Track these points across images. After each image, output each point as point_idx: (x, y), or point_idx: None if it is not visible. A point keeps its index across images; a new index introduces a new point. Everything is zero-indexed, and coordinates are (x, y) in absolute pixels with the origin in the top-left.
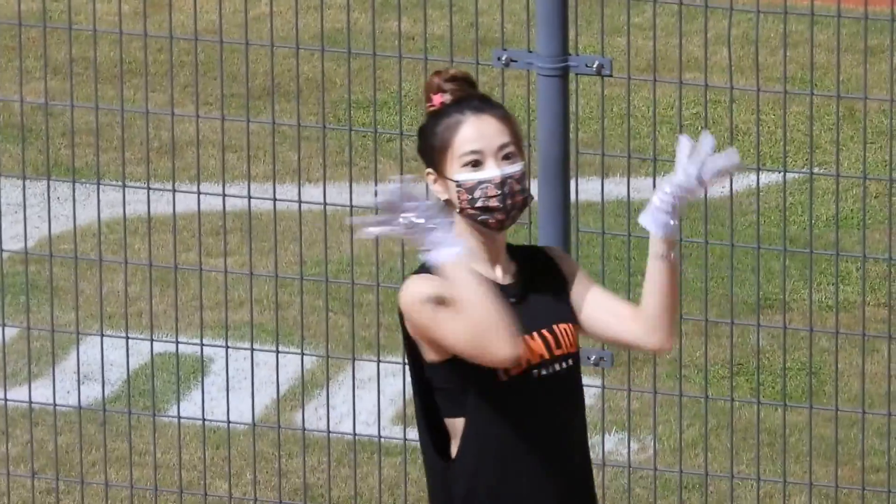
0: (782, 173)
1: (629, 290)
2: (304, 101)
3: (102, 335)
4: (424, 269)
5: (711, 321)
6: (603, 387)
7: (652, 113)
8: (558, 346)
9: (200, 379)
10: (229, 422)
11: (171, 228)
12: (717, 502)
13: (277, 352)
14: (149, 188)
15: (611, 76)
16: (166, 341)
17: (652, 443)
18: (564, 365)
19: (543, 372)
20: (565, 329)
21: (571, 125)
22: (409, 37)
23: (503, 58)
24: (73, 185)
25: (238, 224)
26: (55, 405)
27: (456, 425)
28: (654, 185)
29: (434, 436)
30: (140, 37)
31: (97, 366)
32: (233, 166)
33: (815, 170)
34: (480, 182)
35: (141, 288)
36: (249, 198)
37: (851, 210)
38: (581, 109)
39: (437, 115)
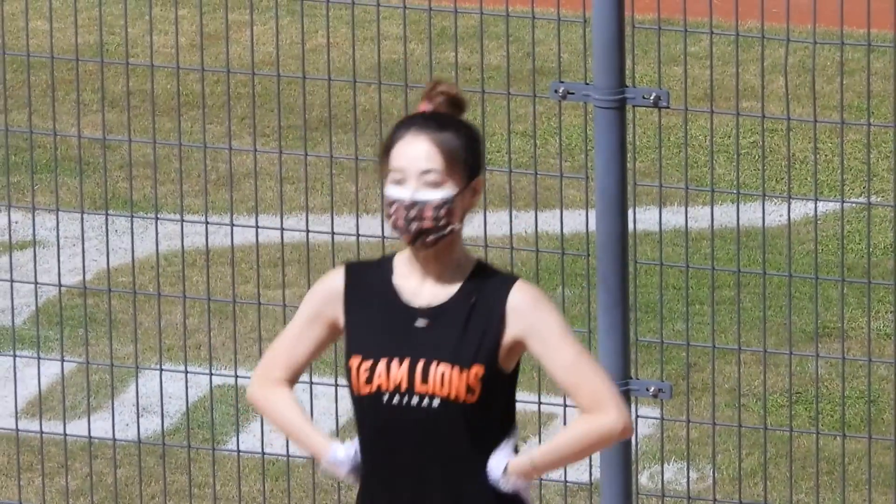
0: (840, 202)
1: (688, 319)
2: (361, 133)
3: (161, 368)
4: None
5: (770, 351)
6: (662, 417)
7: (709, 142)
8: (424, 382)
9: None
10: (289, 454)
11: (230, 261)
12: None
13: (336, 384)
14: (207, 221)
15: (668, 107)
16: (225, 374)
17: (711, 472)
18: (425, 403)
19: (394, 401)
20: (444, 372)
21: (629, 155)
22: (465, 67)
23: (560, 90)
24: (132, 218)
25: (296, 256)
26: (114, 439)
27: None
28: (712, 214)
29: None
30: (197, 70)
31: (156, 399)
32: (290, 198)
33: (873, 198)
34: (394, 200)
35: (199, 320)
36: (308, 231)
37: None
38: (638, 139)
39: (397, 124)
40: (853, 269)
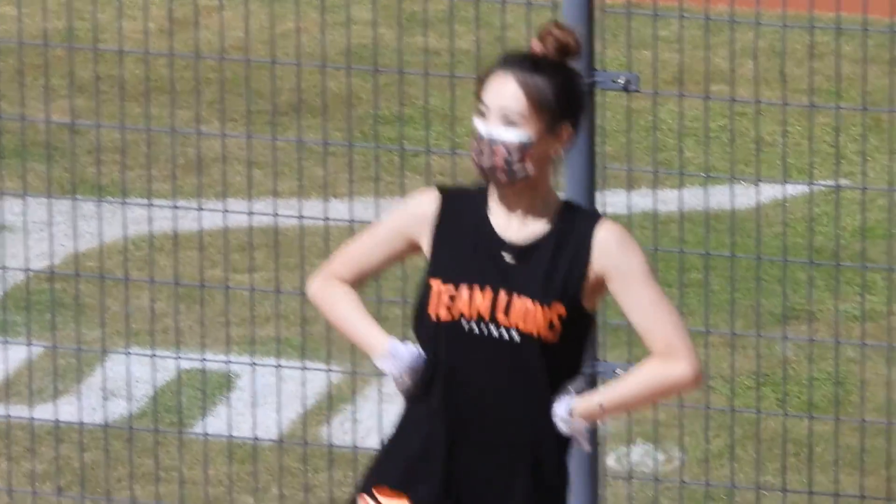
0: (808, 185)
1: None
2: (330, 118)
3: (128, 352)
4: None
5: (738, 333)
6: None
7: (678, 126)
8: (506, 314)
9: (227, 395)
10: (256, 437)
11: (198, 245)
12: None
13: (304, 367)
14: (175, 206)
15: (637, 91)
16: (192, 358)
17: (678, 454)
18: (506, 335)
19: (475, 329)
20: (528, 306)
21: (598, 138)
22: (435, 52)
23: None
24: (100, 203)
25: (264, 240)
26: (81, 423)
27: None
28: (681, 198)
29: None
30: (166, 55)
31: (123, 383)
32: (259, 182)
33: (842, 181)
34: (475, 133)
35: (167, 305)
36: (276, 214)
37: (877, 220)
38: (607, 122)
39: (498, 58)
40: (821, 251)
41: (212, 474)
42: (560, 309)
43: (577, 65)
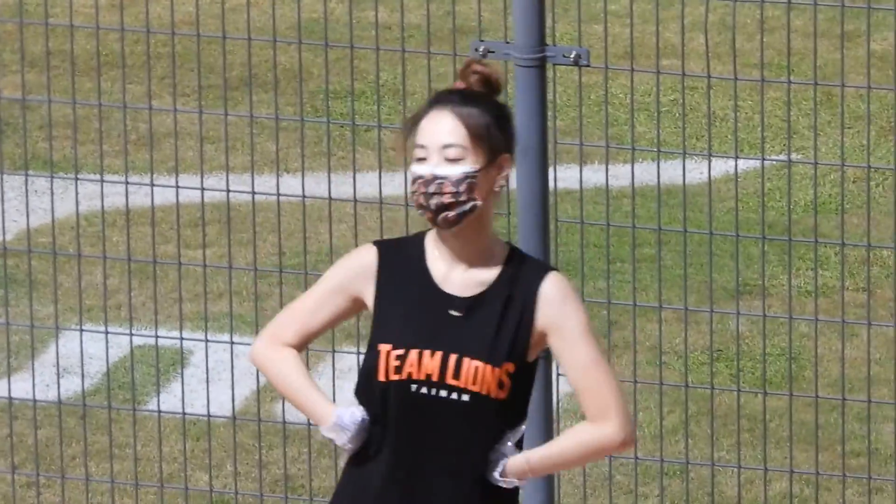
0: (760, 159)
1: (608, 277)
2: (281, 92)
3: (82, 329)
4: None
5: (691, 309)
6: None
7: (629, 100)
8: (455, 377)
9: (180, 371)
10: (209, 414)
11: (150, 221)
12: (698, 489)
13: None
14: (127, 181)
15: (588, 66)
16: (146, 335)
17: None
18: (454, 396)
19: (423, 390)
20: (478, 368)
21: (549, 114)
22: (386, 27)
23: (481, 49)
24: (52, 179)
25: (217, 216)
26: (35, 399)
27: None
28: (632, 172)
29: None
30: (117, 30)
31: (76, 359)
32: (211, 157)
33: (793, 156)
34: (416, 177)
35: (120, 281)
36: (228, 190)
37: (830, 195)
38: (558, 97)
39: (427, 99)
40: (774, 226)
41: (166, 451)
42: (509, 367)
43: (501, 99)
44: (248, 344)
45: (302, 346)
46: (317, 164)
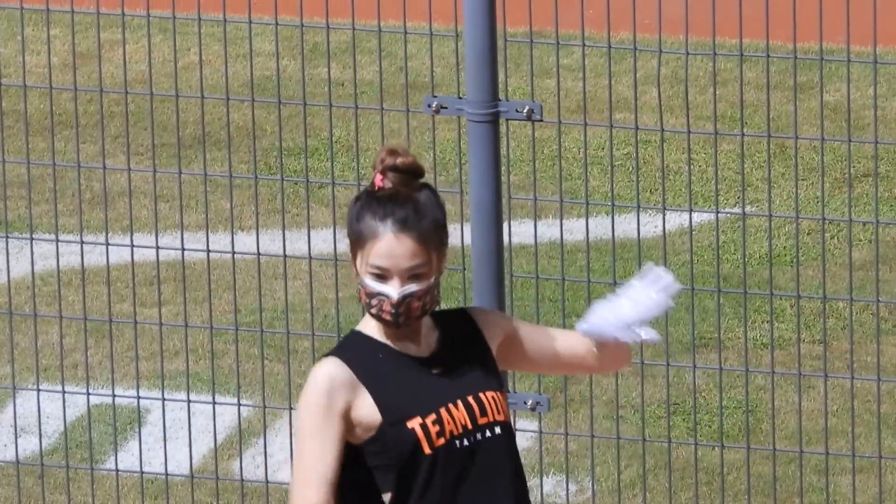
0: (714, 212)
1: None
2: (235, 150)
3: (39, 389)
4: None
5: (647, 363)
6: (540, 430)
7: (583, 154)
8: (483, 413)
9: (137, 430)
10: (167, 473)
11: (105, 280)
12: None
13: (214, 402)
14: (82, 241)
15: (541, 120)
16: (102, 394)
17: (590, 484)
18: (489, 433)
19: (466, 442)
20: (492, 397)
21: (503, 168)
22: (338, 83)
23: (434, 104)
24: (6, 239)
25: (172, 273)
26: None
27: (384, 500)
28: (587, 227)
29: None
30: (70, 90)
31: (34, 419)
32: (165, 216)
33: (748, 208)
34: (379, 293)
35: (76, 340)
36: (182, 249)
37: (784, 247)
38: (512, 152)
39: (366, 206)
40: (729, 279)
41: None
42: (504, 390)
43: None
44: (206, 403)
45: (333, 493)
46: (271, 222)
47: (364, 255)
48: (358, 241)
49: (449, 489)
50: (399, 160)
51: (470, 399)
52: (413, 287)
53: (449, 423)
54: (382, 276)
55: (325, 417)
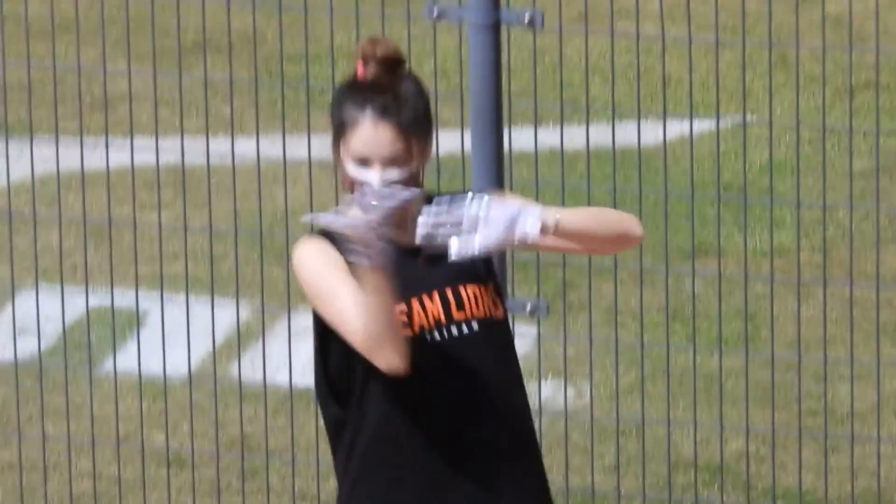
0: (715, 121)
1: None
2: (236, 56)
3: (37, 289)
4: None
5: (646, 269)
6: (539, 335)
7: (584, 63)
8: (460, 307)
9: (136, 331)
10: (166, 374)
11: (105, 183)
12: (654, 448)
13: (213, 304)
14: (82, 143)
15: (543, 28)
16: (101, 295)
17: (588, 389)
18: (467, 330)
19: (437, 336)
20: (473, 292)
21: (503, 76)
22: None
23: (435, 11)
24: (6, 141)
25: (172, 178)
26: None
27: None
28: (587, 134)
29: (334, 388)
30: None
31: (32, 320)
32: (165, 120)
33: (749, 117)
34: (356, 180)
35: (75, 242)
36: (183, 152)
37: (785, 156)
38: (513, 60)
39: (348, 94)
40: (729, 187)
41: (122, 411)
42: (493, 283)
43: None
44: (205, 303)
45: None
46: (271, 126)
47: (346, 144)
48: (340, 129)
49: (418, 384)
50: (379, 49)
51: (448, 291)
52: (396, 173)
53: (419, 314)
54: (363, 162)
55: (329, 260)
